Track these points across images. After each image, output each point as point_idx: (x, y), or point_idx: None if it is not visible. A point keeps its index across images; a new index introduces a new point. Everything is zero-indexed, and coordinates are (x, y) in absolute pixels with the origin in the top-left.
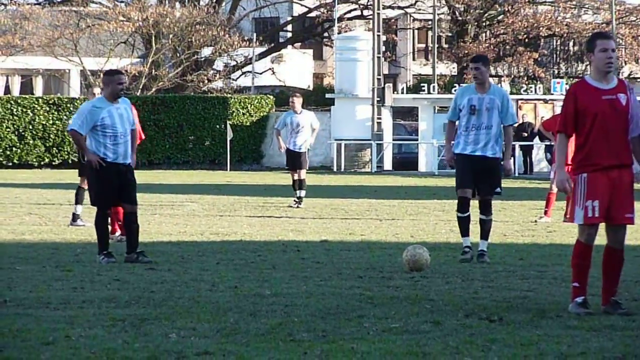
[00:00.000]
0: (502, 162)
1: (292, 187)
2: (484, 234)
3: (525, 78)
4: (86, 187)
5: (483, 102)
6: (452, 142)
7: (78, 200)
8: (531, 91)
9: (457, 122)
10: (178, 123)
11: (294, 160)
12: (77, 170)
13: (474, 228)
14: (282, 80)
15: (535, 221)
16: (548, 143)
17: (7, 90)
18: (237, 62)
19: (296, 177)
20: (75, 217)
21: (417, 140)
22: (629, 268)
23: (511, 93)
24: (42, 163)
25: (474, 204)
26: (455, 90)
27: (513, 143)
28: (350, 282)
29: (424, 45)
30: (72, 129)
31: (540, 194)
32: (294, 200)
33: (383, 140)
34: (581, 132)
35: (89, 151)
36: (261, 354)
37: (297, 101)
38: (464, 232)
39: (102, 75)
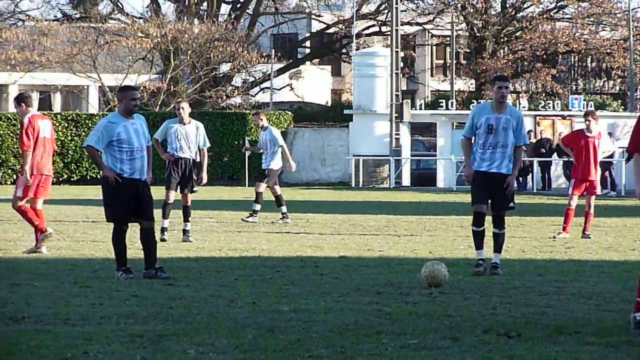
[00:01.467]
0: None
1: (163, 208)
2: (497, 247)
3: (543, 94)
4: (171, 201)
5: (500, 122)
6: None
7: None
8: (549, 107)
9: (472, 139)
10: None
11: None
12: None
13: (488, 241)
14: (300, 96)
15: (554, 237)
16: (566, 159)
17: None
18: (255, 78)
19: (172, 199)
20: (163, 230)
21: (435, 156)
22: None
23: (529, 109)
24: (60, 179)
25: (489, 219)
26: (472, 107)
27: (532, 159)
28: (368, 298)
29: (442, 62)
30: (88, 145)
31: (559, 210)
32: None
33: (401, 156)
34: None
35: (105, 167)
36: None
37: (186, 108)
38: (479, 245)
39: (116, 92)
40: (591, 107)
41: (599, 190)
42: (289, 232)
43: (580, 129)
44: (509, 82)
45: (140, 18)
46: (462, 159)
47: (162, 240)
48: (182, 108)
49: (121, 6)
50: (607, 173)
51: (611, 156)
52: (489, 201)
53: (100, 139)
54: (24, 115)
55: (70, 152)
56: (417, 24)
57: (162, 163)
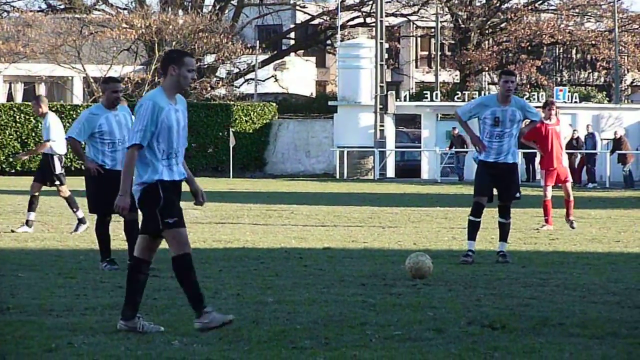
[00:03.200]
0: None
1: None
2: (504, 236)
3: (528, 86)
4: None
5: (506, 114)
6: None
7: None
8: (534, 99)
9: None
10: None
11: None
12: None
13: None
14: (285, 88)
15: (538, 229)
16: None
17: (10, 97)
18: (240, 69)
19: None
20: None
21: (419, 147)
22: (631, 275)
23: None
24: None
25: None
26: (458, 98)
27: (517, 150)
28: (352, 290)
29: (426, 53)
30: (69, 137)
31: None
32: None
33: (386, 147)
34: None
35: (87, 159)
36: None
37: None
38: (472, 236)
39: (100, 83)
40: (576, 98)
41: (570, 177)
42: (273, 223)
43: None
44: (516, 76)
45: (124, 9)
46: (447, 150)
47: None
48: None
49: None
50: (589, 165)
51: (594, 148)
52: (495, 192)
53: (82, 131)
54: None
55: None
56: (402, 15)
57: None
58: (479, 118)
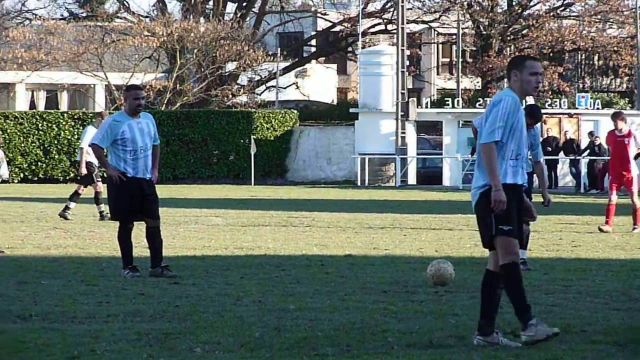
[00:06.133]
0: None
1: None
2: (523, 244)
3: (550, 92)
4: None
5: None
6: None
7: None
8: (556, 105)
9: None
10: (202, 138)
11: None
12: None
13: None
14: (306, 95)
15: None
16: (573, 157)
17: (33, 105)
18: (261, 76)
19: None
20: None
21: (441, 154)
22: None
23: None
24: (67, 178)
25: None
26: (479, 105)
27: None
28: (374, 297)
29: (448, 60)
30: (93, 143)
31: (564, 209)
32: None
33: (407, 154)
34: None
35: (110, 166)
36: None
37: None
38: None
39: (122, 91)
40: (598, 105)
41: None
42: (295, 230)
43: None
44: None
45: (146, 17)
46: (468, 157)
47: None
48: None
49: (127, 5)
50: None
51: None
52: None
53: (105, 138)
54: None
55: (77, 150)
56: (423, 22)
57: (169, 162)
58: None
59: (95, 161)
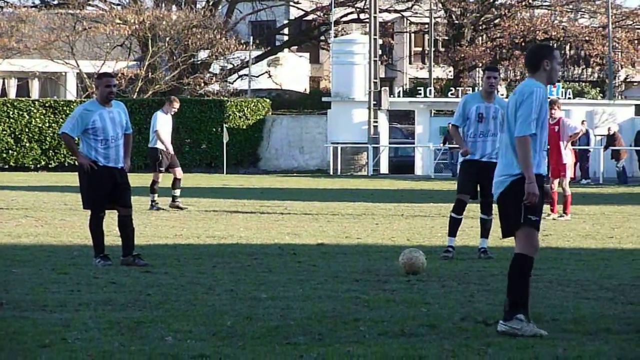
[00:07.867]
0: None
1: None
2: (485, 233)
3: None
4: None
5: (490, 111)
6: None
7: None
8: None
9: (460, 128)
10: (174, 126)
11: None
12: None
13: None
14: (278, 84)
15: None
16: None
17: (4, 92)
18: (233, 65)
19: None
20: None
21: (413, 143)
22: (625, 271)
23: (507, 97)
24: (38, 166)
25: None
26: (451, 94)
27: None
28: (346, 286)
29: (420, 49)
30: (63, 132)
31: None
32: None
33: (379, 143)
34: None
35: (80, 155)
36: (257, 357)
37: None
38: (453, 232)
39: (94, 78)
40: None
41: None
42: (267, 219)
43: None
44: (499, 72)
45: (118, 5)
46: (440, 146)
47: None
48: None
49: None
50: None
51: (587, 144)
52: (478, 189)
53: (76, 126)
54: None
55: (48, 138)
56: (396, 11)
57: (142, 150)
58: (467, 117)
59: (162, 147)
